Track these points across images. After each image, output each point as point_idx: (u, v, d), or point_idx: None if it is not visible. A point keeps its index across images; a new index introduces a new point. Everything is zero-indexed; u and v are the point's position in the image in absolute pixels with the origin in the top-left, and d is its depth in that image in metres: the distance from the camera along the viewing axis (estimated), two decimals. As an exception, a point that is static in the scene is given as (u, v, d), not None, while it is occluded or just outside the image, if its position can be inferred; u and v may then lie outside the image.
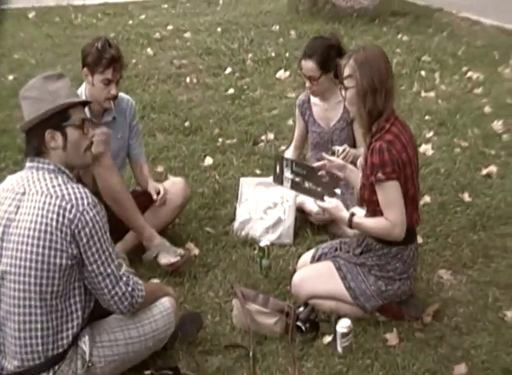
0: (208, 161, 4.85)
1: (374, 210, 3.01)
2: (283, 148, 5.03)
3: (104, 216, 2.54)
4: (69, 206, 2.43)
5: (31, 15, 9.06)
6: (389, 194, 2.91)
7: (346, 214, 3.04)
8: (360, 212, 3.16)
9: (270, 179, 4.03)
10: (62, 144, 2.55)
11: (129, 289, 2.55)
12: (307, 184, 3.15)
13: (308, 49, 3.86)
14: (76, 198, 2.45)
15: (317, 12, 8.52)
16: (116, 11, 9.41)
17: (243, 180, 4.14)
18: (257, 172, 4.64)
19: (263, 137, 5.25)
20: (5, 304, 2.47)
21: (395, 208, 2.92)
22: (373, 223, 3.00)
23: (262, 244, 3.56)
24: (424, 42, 7.46)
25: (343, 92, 3.01)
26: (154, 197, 3.63)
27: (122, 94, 3.73)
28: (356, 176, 3.16)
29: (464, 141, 5.02)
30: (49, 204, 2.43)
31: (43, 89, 2.54)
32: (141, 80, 6.57)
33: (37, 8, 9.39)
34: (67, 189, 2.47)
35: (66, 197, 2.45)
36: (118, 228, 3.40)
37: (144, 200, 3.68)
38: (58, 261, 2.42)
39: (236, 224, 3.96)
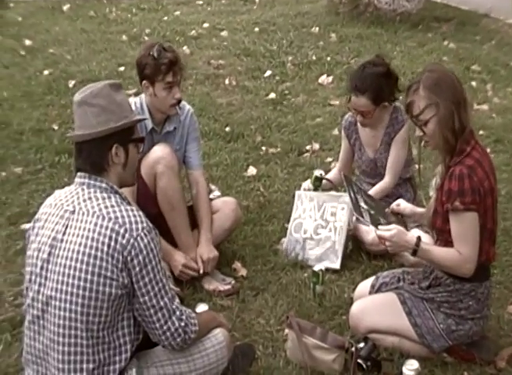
0: (252, 171, 4.62)
1: (446, 240, 2.76)
2: (330, 159, 4.81)
3: (158, 242, 2.32)
4: (122, 230, 2.21)
5: (66, 7, 8.86)
6: (465, 226, 2.65)
7: (411, 237, 2.74)
8: (424, 238, 2.91)
9: (326, 193, 3.82)
10: (124, 160, 2.37)
11: (183, 324, 2.33)
12: (381, 220, 2.86)
13: (360, 84, 3.54)
14: (131, 222, 2.23)
15: (358, 15, 8.22)
16: (151, 6, 9.18)
17: (298, 193, 3.88)
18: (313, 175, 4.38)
19: (308, 148, 5.00)
20: (49, 331, 2.24)
21: (469, 242, 2.66)
22: (443, 253, 2.73)
23: (316, 268, 3.31)
24: (473, 51, 7.14)
25: (423, 128, 2.72)
26: (200, 264, 3.36)
27: (182, 103, 3.51)
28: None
29: (525, 161, 4.75)
30: (101, 226, 2.21)
31: (111, 99, 2.34)
32: (179, 80, 6.33)
33: (72, 0, 9.19)
34: (121, 211, 2.25)
35: (120, 220, 2.22)
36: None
37: (193, 216, 3.47)
38: (107, 289, 2.20)
39: (285, 243, 3.72)
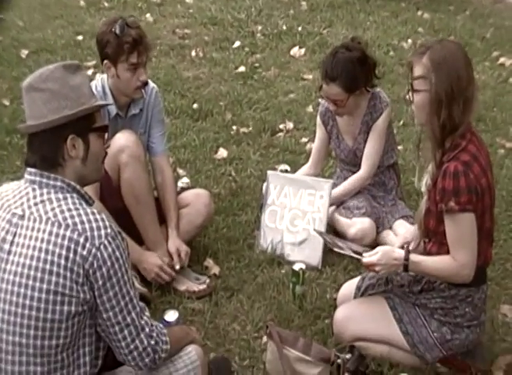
0: (222, 153, 4.30)
1: (440, 242, 2.50)
2: (305, 139, 4.52)
3: (125, 248, 2.00)
4: (82, 239, 1.89)
5: (17, -33, 8.29)
6: (462, 228, 2.40)
7: (399, 253, 2.49)
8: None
9: (301, 176, 3.54)
10: (83, 154, 2.02)
11: (152, 342, 2.03)
12: (361, 249, 2.67)
13: (330, 70, 3.23)
14: (92, 228, 1.91)
15: (329, -18, 7.85)
16: (109, -32, 8.65)
17: (270, 173, 3.56)
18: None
19: (281, 127, 4.69)
20: (-5, 359, 1.93)
21: (466, 247, 2.41)
22: (436, 263, 2.47)
23: (296, 267, 3.03)
24: (448, 22, 6.84)
25: (410, 94, 2.47)
26: (176, 259, 3.05)
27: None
28: None
29: (508, 142, 4.51)
30: (56, 235, 1.89)
31: (64, 82, 1.99)
32: (142, 50, 5.93)
33: (24, -41, 8.60)
34: (80, 216, 1.93)
35: (79, 226, 1.90)
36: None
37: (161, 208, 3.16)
38: (65, 308, 1.89)
39: (260, 236, 3.43)
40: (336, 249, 2.71)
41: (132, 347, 2.00)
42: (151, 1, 7.26)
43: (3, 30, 6.24)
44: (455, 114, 2.37)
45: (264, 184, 3.56)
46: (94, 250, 1.89)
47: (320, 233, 3.05)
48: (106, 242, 1.92)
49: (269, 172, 3.60)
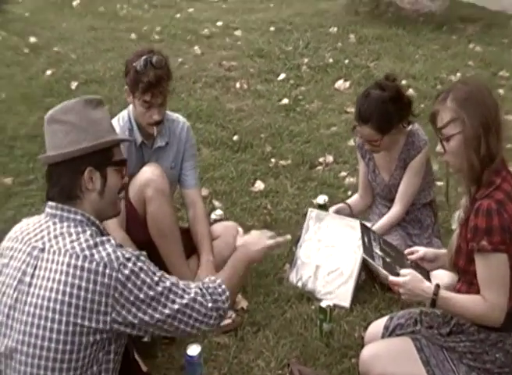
0: (259, 186, 4.29)
1: (470, 282, 2.40)
2: (344, 173, 4.47)
3: (145, 257, 2.01)
4: (101, 268, 1.89)
5: (75, 3, 8.58)
6: (493, 269, 2.30)
7: (428, 286, 2.40)
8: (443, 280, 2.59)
9: (340, 216, 3.48)
10: (100, 187, 2.05)
11: (209, 305, 2.04)
12: (398, 269, 2.52)
13: (363, 112, 3.17)
14: (108, 254, 1.92)
15: (378, 15, 7.85)
16: (163, 2, 8.87)
17: (311, 210, 3.53)
18: (315, 202, 4.05)
19: (321, 160, 4.66)
20: (10, 389, 1.94)
21: (497, 287, 2.30)
22: (466, 302, 2.37)
23: (324, 304, 2.97)
24: (501, 55, 6.74)
25: (445, 144, 2.39)
26: None
27: (176, 116, 3.25)
28: None
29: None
30: (75, 267, 1.90)
31: (84, 116, 2.04)
32: (187, 82, 6.03)
33: (83, -5, 8.90)
34: (96, 246, 1.94)
35: (96, 256, 1.91)
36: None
37: (190, 240, 3.15)
38: (84, 339, 1.89)
39: (293, 270, 3.38)
40: (367, 258, 2.60)
41: (197, 325, 2.03)
42: (200, 34, 7.40)
43: (57, 62, 6.44)
44: (492, 144, 2.31)
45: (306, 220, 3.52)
46: (114, 273, 1.90)
47: (364, 228, 2.81)
48: (124, 261, 1.92)
49: (310, 209, 3.58)
